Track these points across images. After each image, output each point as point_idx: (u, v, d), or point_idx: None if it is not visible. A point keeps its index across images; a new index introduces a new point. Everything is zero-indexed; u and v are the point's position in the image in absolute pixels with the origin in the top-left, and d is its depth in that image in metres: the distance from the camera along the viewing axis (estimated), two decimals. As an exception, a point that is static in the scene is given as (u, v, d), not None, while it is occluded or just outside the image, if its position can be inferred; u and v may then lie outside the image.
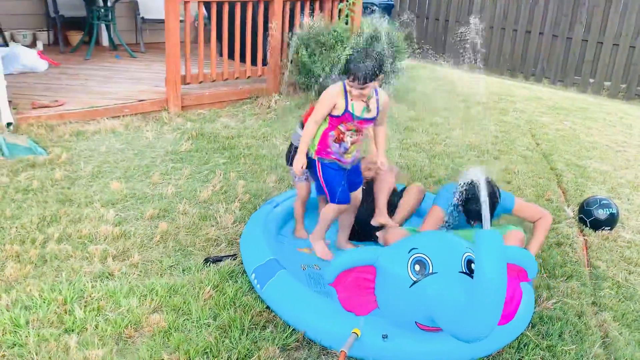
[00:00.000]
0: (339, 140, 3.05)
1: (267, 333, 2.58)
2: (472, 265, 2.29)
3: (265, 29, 6.55)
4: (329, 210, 3.22)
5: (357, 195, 3.36)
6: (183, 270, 3.06)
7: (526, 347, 2.62)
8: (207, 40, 6.32)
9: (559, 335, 2.74)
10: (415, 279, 2.25)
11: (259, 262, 2.90)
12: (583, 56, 10.22)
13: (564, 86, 10.29)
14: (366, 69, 2.83)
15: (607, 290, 3.20)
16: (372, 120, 3.09)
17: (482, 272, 1.90)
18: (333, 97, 2.98)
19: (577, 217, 4.08)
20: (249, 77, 6.64)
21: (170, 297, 2.78)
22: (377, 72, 2.90)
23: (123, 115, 5.58)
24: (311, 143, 3.10)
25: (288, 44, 6.74)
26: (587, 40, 10.13)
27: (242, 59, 6.56)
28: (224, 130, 5.53)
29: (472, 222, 3.05)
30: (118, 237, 3.34)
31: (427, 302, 2.22)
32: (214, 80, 6.31)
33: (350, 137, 3.06)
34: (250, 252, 3.05)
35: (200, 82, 6.18)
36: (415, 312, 2.28)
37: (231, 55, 6.43)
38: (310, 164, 3.16)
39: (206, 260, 3.16)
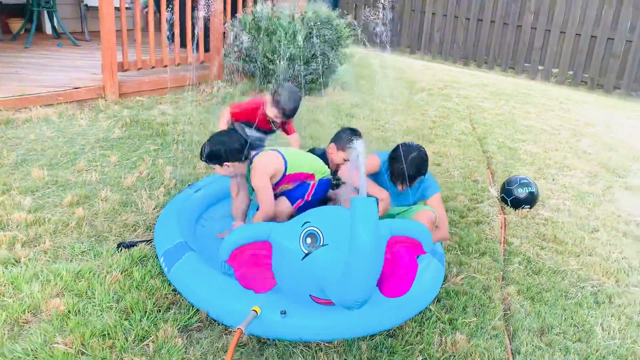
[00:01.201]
0: None
1: (169, 315, 2.58)
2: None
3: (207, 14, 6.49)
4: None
5: None
6: (95, 256, 3.03)
7: (428, 321, 2.68)
8: (158, 27, 6.23)
9: (463, 309, 2.81)
10: (306, 252, 2.28)
11: (168, 245, 2.89)
12: (532, 44, 10.43)
13: (515, 73, 10.48)
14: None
15: (517, 265, 3.29)
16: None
17: (356, 239, 1.94)
18: None
19: (499, 197, 4.18)
20: (190, 63, 6.57)
21: (75, 281, 2.75)
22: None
23: (57, 104, 5.46)
24: None
25: (230, 30, 6.70)
26: (535, 28, 10.33)
27: (183, 45, 6.49)
28: (159, 117, 5.48)
29: (400, 186, 3.08)
30: (31, 223, 3.28)
31: (317, 274, 2.25)
32: (153, 67, 6.23)
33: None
34: (162, 236, 3.04)
35: (139, 69, 6.09)
36: (309, 285, 2.31)
37: (171, 42, 6.34)
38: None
39: (119, 246, 3.13)
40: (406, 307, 2.66)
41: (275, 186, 3.07)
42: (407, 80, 7.74)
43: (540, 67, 10.55)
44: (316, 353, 2.42)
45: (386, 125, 5.82)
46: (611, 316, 2.87)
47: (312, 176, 3.11)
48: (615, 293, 3.08)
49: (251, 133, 3.79)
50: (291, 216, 2.97)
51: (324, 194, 3.19)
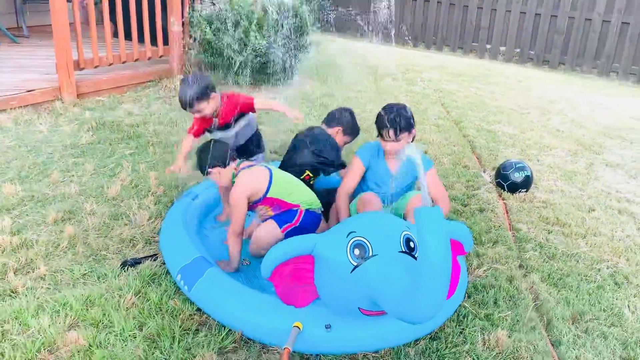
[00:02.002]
0: None
1: (200, 338, 2.38)
2: (411, 243, 2.23)
3: (164, 6, 6.13)
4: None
5: None
6: (98, 278, 2.77)
7: (466, 319, 2.62)
8: (99, 20, 5.81)
9: (494, 302, 2.77)
10: (355, 264, 2.15)
11: (184, 262, 2.68)
12: (479, 23, 10.63)
13: (464, 53, 10.64)
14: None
15: (531, 252, 3.29)
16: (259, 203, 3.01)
17: (427, 252, 1.83)
18: None
19: (494, 182, 4.19)
20: (149, 58, 6.21)
21: (87, 310, 2.49)
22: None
23: (11, 109, 5.00)
24: None
25: (190, 22, 6.37)
26: (482, 8, 10.53)
27: (141, 39, 6.10)
28: (127, 118, 5.14)
29: (391, 141, 3.03)
30: (18, 247, 2.96)
31: (369, 286, 2.12)
32: (111, 64, 5.83)
33: None
34: (173, 251, 2.81)
35: (96, 67, 5.68)
36: (358, 298, 2.18)
37: (128, 36, 5.95)
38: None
39: (123, 264, 2.88)
40: (445, 307, 2.58)
41: (253, 205, 2.95)
42: (369, 66, 7.66)
43: (487, 46, 10.79)
44: (367, 364, 2.31)
45: (362, 114, 5.71)
46: (634, 297, 2.92)
47: (296, 206, 2.97)
48: (631, 273, 3.14)
49: (215, 136, 3.55)
50: (278, 240, 2.82)
51: (314, 225, 3.01)
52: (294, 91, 6.57)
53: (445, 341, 2.47)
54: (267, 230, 2.89)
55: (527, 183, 4.04)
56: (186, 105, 3.24)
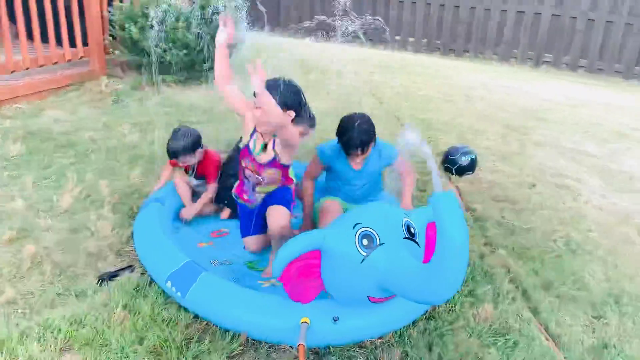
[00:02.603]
0: (246, 177, 2.95)
1: (206, 345, 2.32)
2: (411, 229, 2.31)
3: (80, 3, 5.78)
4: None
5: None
6: (76, 296, 2.60)
7: (452, 297, 2.75)
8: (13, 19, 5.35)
9: (472, 279, 2.93)
10: (365, 254, 2.19)
11: (172, 268, 2.58)
12: (388, 15, 11.03)
13: (373, 44, 10.97)
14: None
15: (492, 230, 3.51)
16: (272, 165, 2.85)
17: (447, 235, 1.91)
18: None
19: (442, 167, 4.39)
20: (69, 60, 5.83)
21: (76, 330, 2.34)
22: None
23: None
24: None
25: (110, 20, 6.05)
26: (390, 0, 10.95)
27: (58, 40, 5.71)
28: (56, 126, 4.80)
29: (357, 156, 3.04)
30: (-25, 272, 2.70)
31: (380, 274, 2.18)
32: (27, 68, 5.41)
33: (249, 176, 2.92)
34: (157, 258, 2.70)
35: (12, 72, 5.24)
36: (369, 287, 2.23)
37: (45, 39, 5.54)
38: None
39: (100, 280, 2.72)
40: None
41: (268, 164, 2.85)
42: (295, 59, 7.68)
43: (397, 37, 11.22)
44: (374, 351, 2.37)
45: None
46: (590, 262, 3.22)
47: (292, 181, 3.01)
48: (581, 240, 3.44)
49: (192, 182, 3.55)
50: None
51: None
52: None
53: (440, 319, 2.59)
54: (283, 216, 2.84)
55: (473, 166, 4.28)
56: (173, 156, 3.39)
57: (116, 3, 6.14)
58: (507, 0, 10.10)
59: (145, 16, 5.82)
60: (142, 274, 2.79)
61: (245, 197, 3.01)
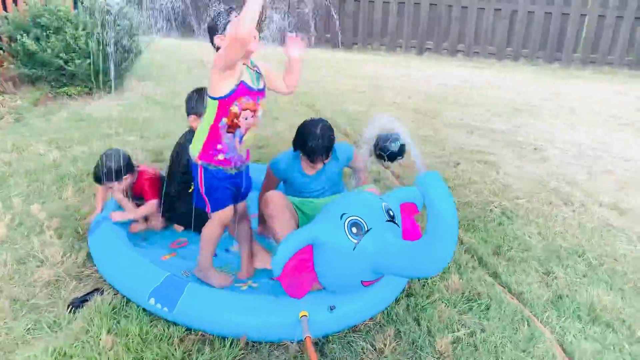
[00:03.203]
0: (233, 128, 2.52)
1: (207, 355, 2.29)
2: (390, 212, 2.45)
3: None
4: (211, 227, 2.71)
5: (244, 204, 2.91)
6: (50, 328, 2.43)
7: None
8: None
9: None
10: (356, 241, 2.29)
11: (153, 284, 2.50)
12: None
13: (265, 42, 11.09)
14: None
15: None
16: (263, 91, 2.61)
17: (438, 211, 2.06)
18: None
19: (375, 155, 4.59)
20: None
21: (65, 363, 2.20)
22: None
23: None
24: (193, 143, 2.61)
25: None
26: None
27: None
28: (-43, 152, 4.36)
29: (315, 161, 2.98)
30: None
31: (371, 258, 2.28)
32: None
33: (246, 119, 2.53)
34: (132, 277, 2.60)
35: None
36: (362, 271, 2.33)
37: None
38: (194, 171, 2.65)
39: (71, 306, 2.57)
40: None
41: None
42: (201, 60, 7.55)
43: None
44: (369, 333, 2.48)
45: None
46: (525, 225, 3.57)
47: None
48: (512, 207, 3.81)
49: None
50: None
51: None
52: (134, 93, 6.23)
53: (418, 294, 2.76)
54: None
55: (403, 151, 4.51)
56: (100, 181, 3.24)
57: (1, 13, 5.66)
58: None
59: (40, 26, 5.42)
60: (115, 294, 2.66)
61: (230, 160, 2.62)
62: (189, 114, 3.22)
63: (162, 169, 3.58)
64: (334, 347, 2.39)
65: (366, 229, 2.32)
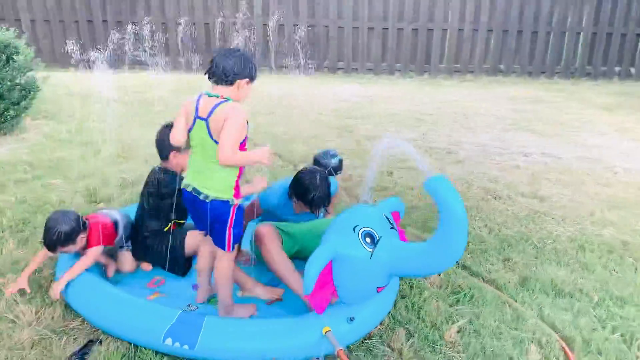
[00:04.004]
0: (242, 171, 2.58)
1: (242, 384, 2.29)
2: (389, 220, 2.64)
3: None
4: (226, 264, 2.67)
5: None
6: (61, 390, 2.26)
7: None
8: None
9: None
10: (371, 250, 2.44)
11: (167, 324, 2.43)
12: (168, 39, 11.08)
13: (186, 69, 10.79)
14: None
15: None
16: None
17: (451, 211, 2.28)
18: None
19: (314, 172, 4.75)
20: None
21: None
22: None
23: None
24: (218, 184, 2.52)
25: None
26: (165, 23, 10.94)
27: None
28: None
29: (317, 212, 3.25)
30: None
31: (387, 264, 2.44)
32: None
33: None
34: (140, 320, 2.49)
35: None
36: (379, 278, 2.48)
37: None
38: (220, 210, 2.54)
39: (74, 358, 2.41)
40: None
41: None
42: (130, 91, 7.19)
43: (181, 60, 11.26)
44: (382, 336, 2.63)
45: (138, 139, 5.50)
46: (473, 221, 3.94)
47: None
48: (462, 192, 4.18)
49: None
50: None
51: None
52: (34, 134, 5.80)
53: (412, 296, 2.97)
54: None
55: (341, 166, 4.73)
56: (55, 249, 2.92)
57: None
58: (268, 17, 10.91)
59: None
60: (116, 340, 2.53)
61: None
62: (167, 152, 3.12)
63: (103, 208, 3.42)
64: (357, 355, 2.51)
65: (377, 237, 2.48)
